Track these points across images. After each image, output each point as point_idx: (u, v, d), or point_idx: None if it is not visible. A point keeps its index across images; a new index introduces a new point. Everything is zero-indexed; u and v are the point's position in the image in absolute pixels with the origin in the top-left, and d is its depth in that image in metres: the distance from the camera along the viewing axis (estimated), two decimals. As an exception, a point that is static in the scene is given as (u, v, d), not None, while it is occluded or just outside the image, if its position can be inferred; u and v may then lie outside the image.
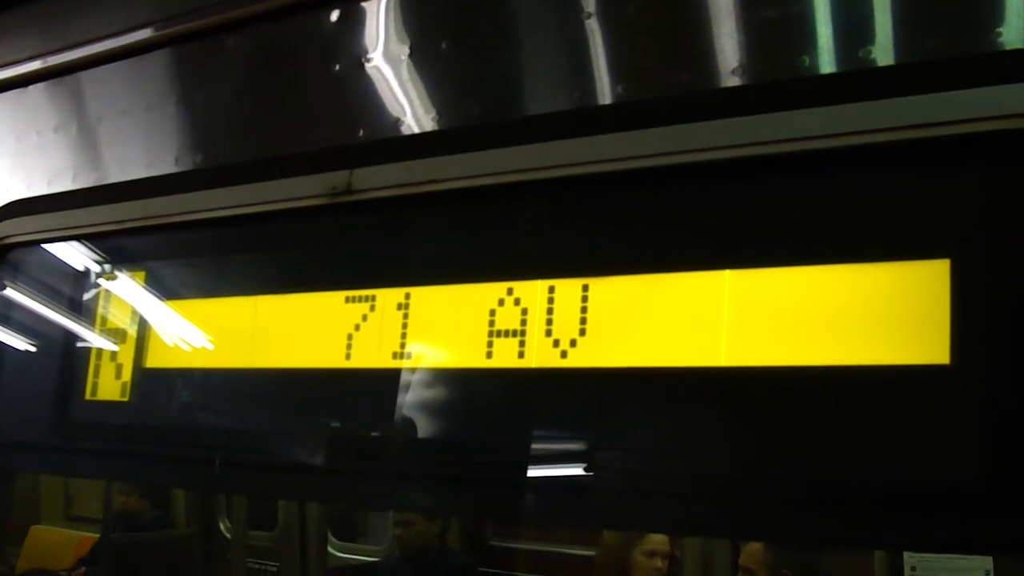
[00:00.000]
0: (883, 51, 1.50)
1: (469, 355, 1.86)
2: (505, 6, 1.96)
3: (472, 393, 1.90)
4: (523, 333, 1.79)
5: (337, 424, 2.14)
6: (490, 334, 1.82)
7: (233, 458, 2.25)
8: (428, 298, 1.94)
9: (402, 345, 1.95)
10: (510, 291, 1.82)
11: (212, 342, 2.31)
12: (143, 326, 2.45)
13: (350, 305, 2.03)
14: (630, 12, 1.75)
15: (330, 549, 7.28)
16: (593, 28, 1.79)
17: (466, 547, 7.13)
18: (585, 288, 1.74)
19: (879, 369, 1.44)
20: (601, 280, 1.73)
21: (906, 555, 3.78)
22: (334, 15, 2.12)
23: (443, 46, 1.97)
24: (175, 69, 2.44)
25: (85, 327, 2.57)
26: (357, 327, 2.01)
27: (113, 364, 2.47)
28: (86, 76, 2.59)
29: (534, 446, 1.83)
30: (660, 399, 1.68)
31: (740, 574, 4.54)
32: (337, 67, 2.10)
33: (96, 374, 2.50)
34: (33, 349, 2.71)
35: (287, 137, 2.20)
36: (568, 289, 1.76)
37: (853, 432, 1.47)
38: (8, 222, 2.65)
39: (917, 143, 1.44)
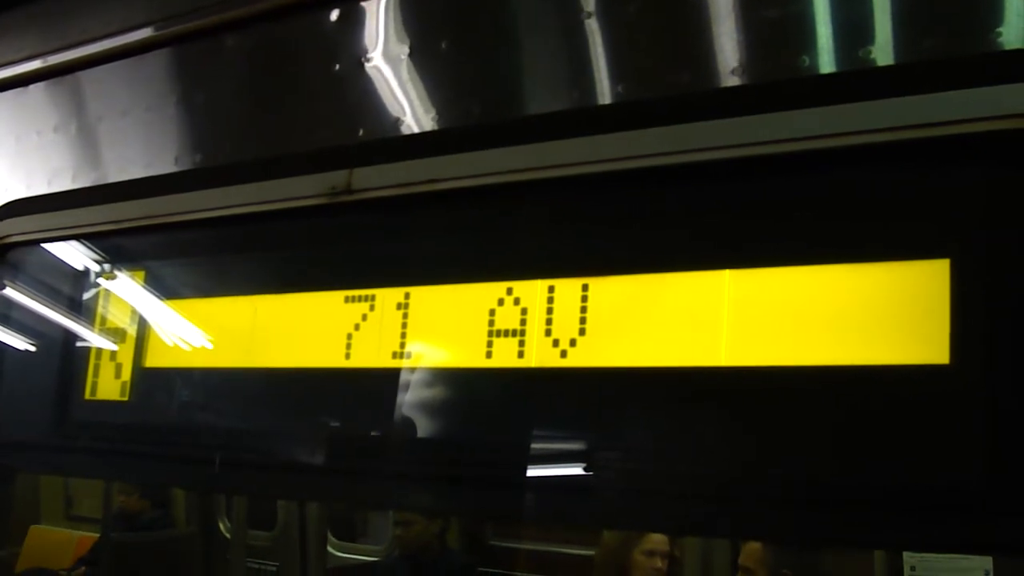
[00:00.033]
0: (883, 51, 1.50)
1: (469, 355, 1.86)
2: (505, 6, 1.96)
3: (472, 393, 1.89)
4: (523, 333, 1.79)
5: (337, 424, 2.14)
6: (490, 334, 1.82)
7: (233, 458, 2.25)
8: (428, 298, 1.94)
9: (402, 345, 1.95)
10: (510, 291, 1.82)
11: (212, 342, 2.31)
12: (143, 326, 2.45)
13: (350, 305, 2.03)
14: (630, 12, 1.75)
15: (330, 549, 7.29)
16: (593, 28, 1.79)
17: (466, 547, 7.14)
18: (585, 288, 1.74)
19: (879, 369, 1.44)
20: (601, 280, 1.73)
21: (906, 555, 3.79)
22: (334, 15, 2.12)
23: (443, 46, 1.97)
24: (175, 69, 2.44)
25: (85, 327, 2.57)
26: (357, 327, 2.01)
27: (113, 364, 2.47)
28: (86, 76, 2.59)
29: (534, 446, 1.83)
30: (660, 399, 1.68)
31: (740, 574, 4.55)
32: (337, 67, 2.10)
33: (96, 374, 2.50)
34: (33, 349, 2.71)
35: (287, 137, 2.20)
36: (568, 289, 1.76)
37: (853, 432, 1.47)
38: (8, 221, 2.65)
39: (917, 143, 1.44)
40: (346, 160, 2.03)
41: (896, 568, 4.00)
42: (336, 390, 2.07)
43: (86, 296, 2.58)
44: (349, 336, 2.02)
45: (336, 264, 2.15)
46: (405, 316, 1.95)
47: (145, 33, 2.43)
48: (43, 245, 2.63)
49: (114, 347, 2.47)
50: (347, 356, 2.02)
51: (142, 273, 2.47)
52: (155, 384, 2.39)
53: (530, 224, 1.90)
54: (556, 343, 1.75)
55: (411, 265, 2.00)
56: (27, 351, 2.72)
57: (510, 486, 1.86)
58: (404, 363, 1.94)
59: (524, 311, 1.79)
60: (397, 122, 1.99)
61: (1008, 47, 1.39)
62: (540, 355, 1.76)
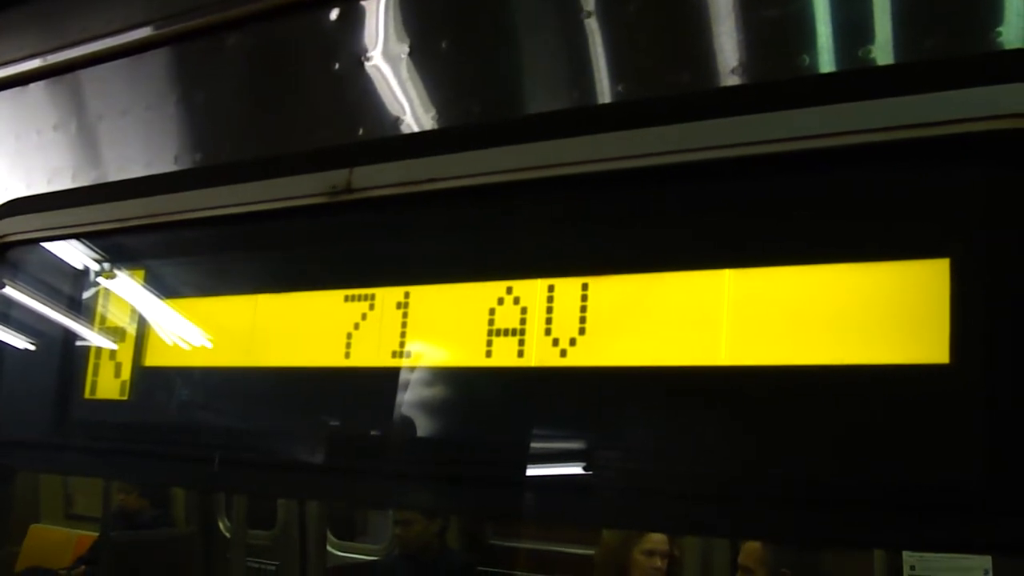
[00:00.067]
0: (883, 50, 1.50)
1: (469, 354, 1.86)
2: (505, 5, 1.96)
3: (472, 392, 1.89)
4: (523, 332, 1.79)
5: (336, 423, 2.14)
6: (489, 333, 1.82)
7: (232, 457, 2.25)
8: (428, 297, 1.94)
9: (401, 344, 1.95)
10: (509, 290, 1.82)
11: (211, 341, 2.31)
12: (142, 325, 2.45)
13: (349, 304, 2.03)
14: (630, 11, 1.75)
15: (329, 548, 7.29)
16: (593, 27, 1.79)
17: (466, 546, 7.13)
18: (585, 287, 1.74)
19: (879, 368, 1.44)
20: (601, 279, 1.73)
21: (905, 554, 3.79)
22: (334, 14, 2.12)
23: (443, 45, 1.97)
24: (175, 68, 2.44)
25: (84, 326, 2.57)
26: (356, 326, 2.01)
27: (112, 363, 2.47)
28: (86, 75, 2.59)
29: (534, 445, 1.83)
30: (660, 398, 1.68)
31: (739, 573, 4.55)
32: (337, 66, 2.10)
33: (95, 373, 2.50)
34: (32, 348, 2.71)
35: (287, 136, 2.20)
36: (568, 288, 1.76)
37: (853, 431, 1.47)
38: (8, 220, 2.65)
39: (917, 142, 1.44)
40: (346, 159, 2.03)
41: (896, 567, 4.00)
42: (336, 389, 2.07)
43: (86, 295, 2.58)
44: (349, 335, 2.02)
45: (336, 263, 2.15)
46: (405, 315, 1.95)
47: (145, 32, 2.43)
48: (43, 244, 2.63)
49: (114, 346, 2.47)
50: (347, 355, 2.02)
51: (142, 272, 2.47)
52: (155, 383, 2.39)
53: (530, 223, 1.90)
54: (556, 342, 1.75)
55: (411, 264, 2.00)
56: (27, 350, 2.72)
57: (510, 485, 1.86)
58: (404, 362, 1.94)
59: (524, 310, 1.79)
60: (397, 121, 1.99)
61: (1008, 47, 1.39)
62: (540, 354, 1.76)
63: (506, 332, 1.80)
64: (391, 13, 2.05)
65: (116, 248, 2.54)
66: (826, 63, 1.55)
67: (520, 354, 1.78)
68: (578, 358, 1.72)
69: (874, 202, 1.51)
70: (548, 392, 1.77)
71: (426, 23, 2.01)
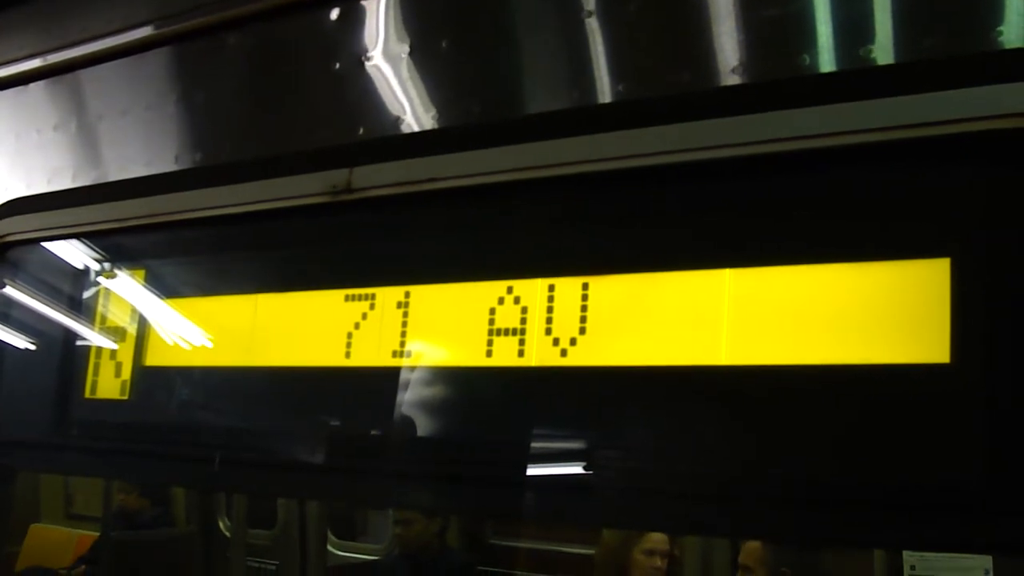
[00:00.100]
0: (883, 50, 1.50)
1: (469, 354, 1.86)
2: (505, 5, 1.96)
3: (472, 392, 1.89)
4: (523, 332, 1.79)
5: (337, 423, 2.14)
6: (490, 333, 1.82)
7: (233, 456, 2.25)
8: (428, 297, 1.94)
9: (402, 344, 1.95)
10: (510, 290, 1.82)
11: (212, 340, 2.31)
12: (143, 324, 2.45)
13: (350, 303, 2.03)
14: (630, 11, 1.75)
15: (330, 548, 7.29)
16: (593, 27, 1.79)
17: (466, 546, 7.13)
18: (585, 287, 1.74)
19: (879, 368, 1.44)
20: (601, 279, 1.73)
21: (905, 554, 3.79)
22: (334, 14, 2.12)
23: (443, 45, 1.97)
24: (175, 68, 2.44)
25: (85, 325, 2.57)
26: (357, 325, 2.01)
27: (113, 362, 2.47)
28: (86, 74, 2.59)
29: (534, 445, 1.83)
30: (660, 398, 1.68)
31: (739, 572, 4.55)
32: (337, 66, 2.10)
33: (96, 372, 2.50)
34: (33, 347, 2.71)
35: (287, 135, 2.20)
36: (568, 288, 1.76)
37: (853, 431, 1.47)
38: (8, 220, 2.65)
39: (917, 142, 1.44)
40: (346, 159, 2.03)
41: (896, 567, 4.00)
42: (336, 389, 2.07)
43: (86, 295, 2.58)
44: (349, 335, 2.02)
45: (336, 263, 2.15)
46: (405, 315, 1.95)
47: (145, 32, 2.43)
48: (43, 244, 2.63)
49: (114, 346, 2.47)
50: (347, 355, 2.02)
51: (142, 272, 2.47)
52: (155, 383, 2.39)
53: (530, 223, 1.90)
54: (556, 342, 1.75)
55: (411, 264, 2.00)
56: (27, 350, 2.72)
57: (510, 485, 1.86)
58: (404, 362, 1.94)
59: (524, 310, 1.79)
60: (397, 121, 1.99)
61: (1008, 46, 1.39)
62: (540, 354, 1.76)
63: (506, 332, 1.80)
64: (391, 13, 2.05)
65: (116, 248, 2.54)
66: (826, 63, 1.55)
67: (520, 354, 1.78)
68: (578, 358, 1.72)
69: (874, 202, 1.51)
70: (548, 392, 1.77)
71: (426, 23, 2.01)
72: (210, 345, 2.31)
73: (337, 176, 2.03)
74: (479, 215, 1.95)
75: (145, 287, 2.46)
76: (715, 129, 1.60)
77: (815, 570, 4.44)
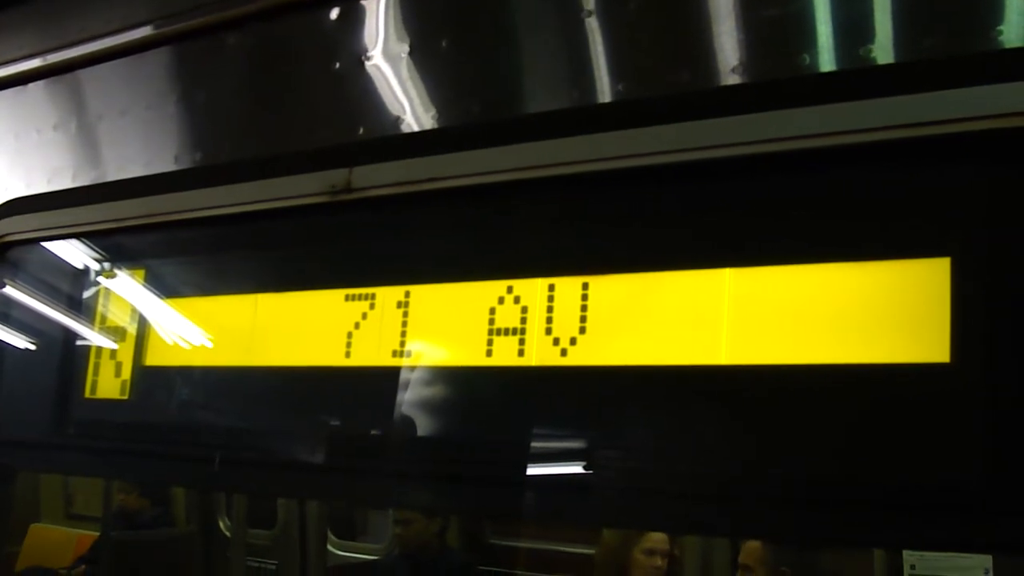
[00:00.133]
0: (883, 50, 1.50)
1: (469, 353, 1.86)
2: (505, 4, 1.96)
3: (472, 391, 1.89)
4: (523, 331, 1.79)
5: (337, 422, 2.14)
6: (490, 332, 1.82)
7: (233, 456, 2.25)
8: (428, 296, 1.94)
9: (402, 343, 1.95)
10: (510, 289, 1.82)
11: (212, 340, 2.31)
12: (143, 324, 2.45)
13: (350, 303, 2.03)
14: (630, 10, 1.75)
15: (330, 547, 7.29)
16: (593, 27, 1.79)
17: (466, 545, 7.13)
18: (585, 286, 1.74)
19: (879, 368, 1.44)
20: (601, 278, 1.73)
21: (905, 553, 3.79)
22: (334, 13, 2.12)
23: (443, 44, 1.97)
24: (175, 67, 2.44)
25: (85, 325, 2.57)
26: (357, 325, 2.01)
27: (113, 362, 2.47)
28: (85, 74, 2.59)
29: (534, 444, 1.83)
30: (660, 398, 1.68)
31: (739, 572, 4.55)
32: (337, 65, 2.10)
33: (96, 372, 2.50)
34: (33, 347, 2.71)
35: (287, 135, 2.20)
36: (568, 287, 1.76)
37: (853, 431, 1.47)
38: (7, 220, 2.65)
39: (917, 141, 1.44)
40: (346, 159, 2.03)
41: (896, 566, 4.00)
42: (336, 389, 2.07)
43: (86, 295, 2.58)
44: (349, 335, 2.02)
45: (336, 262, 2.15)
46: (405, 315, 1.95)
47: (145, 31, 2.43)
48: (43, 244, 2.63)
49: (114, 346, 2.47)
50: (347, 355, 2.02)
51: (142, 272, 2.47)
52: (155, 383, 2.39)
53: (530, 223, 1.90)
54: (556, 342, 1.75)
55: (411, 263, 2.00)
56: (27, 350, 2.72)
57: (510, 485, 1.86)
58: (404, 362, 1.94)
59: (524, 310, 1.79)
60: (397, 121, 1.99)
61: (1008, 46, 1.39)
62: (540, 354, 1.76)
63: (507, 331, 1.80)
64: (391, 12, 2.05)
65: (116, 248, 2.54)
66: (826, 62, 1.55)
67: (520, 353, 1.78)
68: (578, 357, 1.72)
69: (874, 201, 1.51)
70: (548, 391, 1.77)
71: (426, 22, 2.00)
72: (210, 345, 2.31)
73: (337, 176, 2.02)
74: (479, 215, 1.95)
75: (145, 287, 2.46)
76: (715, 129, 1.60)
77: (815, 570, 4.44)
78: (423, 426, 1.94)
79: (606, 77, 1.78)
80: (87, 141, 2.56)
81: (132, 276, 2.49)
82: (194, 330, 2.33)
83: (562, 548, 6.45)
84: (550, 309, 1.76)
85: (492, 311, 1.83)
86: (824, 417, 1.50)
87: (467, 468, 1.91)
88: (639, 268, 1.70)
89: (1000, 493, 1.34)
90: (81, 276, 2.59)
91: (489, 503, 2.14)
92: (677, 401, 1.67)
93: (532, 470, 1.82)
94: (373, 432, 2.09)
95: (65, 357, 2.59)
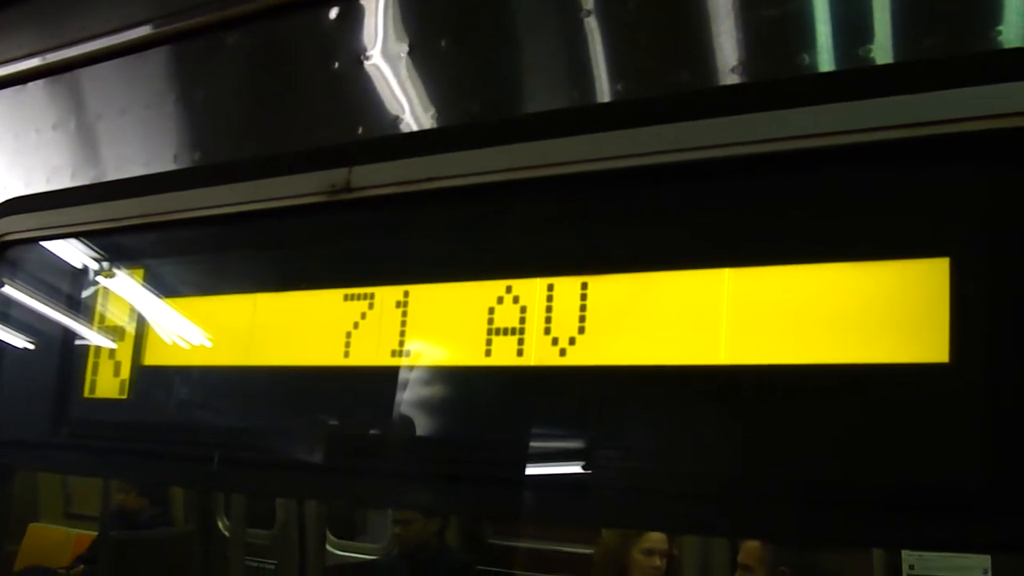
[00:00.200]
0: (882, 49, 1.50)
1: (468, 353, 1.86)
2: (504, 4, 1.96)
3: (471, 391, 1.89)
4: (522, 331, 1.79)
5: (336, 422, 2.14)
6: (489, 332, 1.82)
7: (232, 456, 2.25)
8: (427, 296, 1.94)
9: (401, 343, 1.95)
10: (509, 289, 1.82)
11: (211, 340, 2.30)
12: (142, 324, 2.45)
13: (349, 303, 2.03)
14: (629, 10, 1.74)
15: (328, 547, 7.28)
16: (592, 26, 1.79)
17: (465, 545, 7.13)
18: (584, 286, 1.74)
19: (878, 368, 1.44)
20: (600, 278, 1.73)
21: (904, 553, 3.79)
22: (333, 13, 2.12)
23: (442, 44, 1.97)
24: (174, 67, 2.43)
25: (84, 325, 2.56)
26: (356, 325, 2.01)
27: (112, 362, 2.47)
28: (85, 73, 2.59)
29: (533, 444, 1.83)
30: (659, 397, 1.68)
31: (739, 571, 4.55)
32: (336, 65, 2.10)
33: (95, 372, 2.49)
34: (32, 347, 2.71)
35: (286, 135, 2.20)
36: (567, 287, 1.76)
37: (852, 431, 1.47)
38: (7, 219, 2.65)
39: (916, 141, 1.44)
40: (345, 158, 2.03)
41: (894, 566, 4.00)
42: (335, 388, 2.06)
43: (85, 294, 2.57)
44: (348, 334, 2.02)
45: (335, 262, 2.15)
46: (404, 314, 1.95)
47: (144, 31, 2.43)
48: (42, 243, 2.63)
49: (113, 345, 2.47)
50: (346, 354, 2.01)
51: (141, 271, 2.47)
52: (154, 382, 2.39)
53: (529, 222, 1.90)
54: (555, 341, 1.75)
55: (410, 263, 2.00)
56: (26, 349, 2.72)
57: (509, 484, 1.86)
58: (403, 361, 1.94)
59: (523, 309, 1.79)
60: (396, 120, 1.99)
61: (1008, 46, 1.39)
62: (539, 353, 1.76)
63: (505, 331, 1.80)
64: (390, 12, 2.05)
65: (115, 247, 2.54)
66: (826, 62, 1.55)
67: (520, 353, 1.78)
68: (577, 357, 1.72)
69: (874, 201, 1.51)
70: (547, 391, 1.77)
71: (425, 22, 2.00)
72: (209, 344, 2.30)
73: (336, 175, 2.02)
74: (478, 214, 1.95)
75: (144, 286, 2.45)
76: (715, 129, 1.60)
77: (814, 569, 4.45)
78: (422, 426, 1.94)
79: (605, 77, 1.78)
80: (86, 140, 2.56)
81: (131, 276, 2.48)
82: (193, 330, 2.33)
83: (561, 548, 6.45)
84: (549, 309, 1.76)
85: (491, 311, 1.83)
86: (823, 417, 1.50)
87: (466, 468, 1.91)
88: (638, 268, 1.70)
89: (999, 493, 1.34)
90: (80, 276, 2.59)
91: (488, 503, 2.14)
92: (676, 401, 1.67)
93: (531, 470, 1.82)
94: (372, 432, 2.09)
95: (64, 357, 2.59)
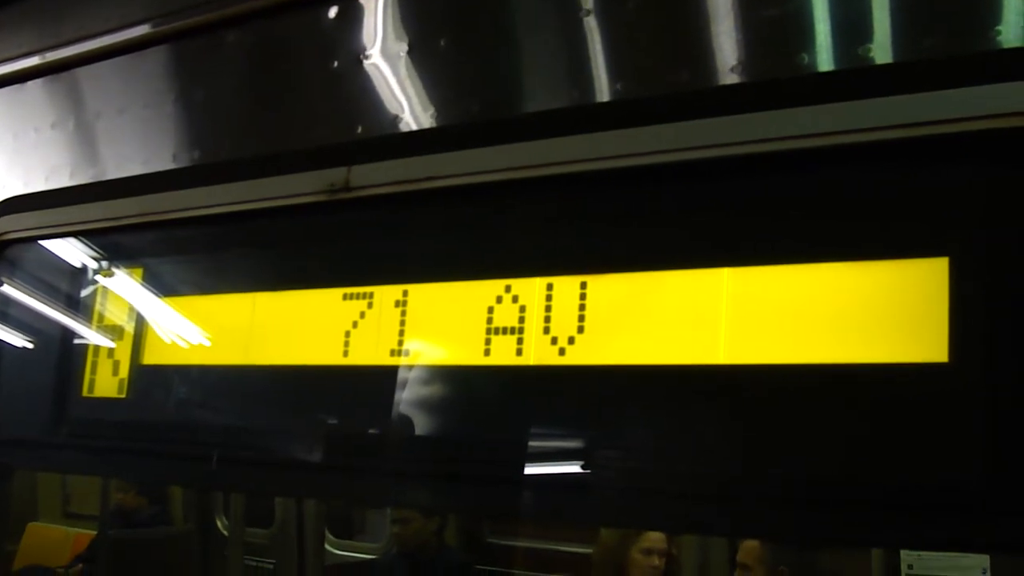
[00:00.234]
0: (882, 49, 1.50)
1: (467, 352, 1.86)
2: (504, 3, 1.96)
3: (470, 391, 1.89)
4: (521, 331, 1.78)
5: (335, 421, 2.14)
6: (488, 331, 1.82)
7: (230, 455, 2.25)
8: (426, 295, 1.94)
9: (400, 342, 1.94)
10: (508, 288, 1.82)
11: (210, 339, 2.30)
12: (140, 323, 2.45)
13: (348, 302, 2.03)
14: (629, 10, 1.74)
15: (327, 546, 7.28)
16: (592, 26, 1.79)
17: (464, 544, 7.13)
18: (583, 286, 1.74)
19: (878, 367, 1.44)
20: (599, 277, 1.73)
21: (903, 553, 3.79)
22: (332, 11, 2.12)
23: (442, 43, 1.97)
24: (173, 66, 2.43)
25: (82, 324, 2.56)
26: (355, 324, 2.01)
27: (110, 361, 2.47)
28: (83, 72, 2.58)
29: (532, 444, 1.83)
30: (658, 397, 1.68)
31: (738, 570, 4.56)
32: (335, 64, 2.10)
33: (93, 371, 2.49)
34: (30, 346, 2.71)
35: (285, 134, 2.20)
36: (566, 286, 1.76)
37: (852, 430, 1.47)
38: (6, 218, 2.65)
39: (916, 141, 1.43)
40: (344, 157, 2.02)
41: (893, 565, 4.01)
42: (334, 388, 2.06)
43: (84, 293, 2.57)
44: (347, 334, 2.01)
45: (334, 261, 2.15)
46: (403, 314, 1.95)
47: (143, 29, 2.43)
48: (41, 242, 2.63)
49: (112, 344, 2.47)
50: (345, 354, 2.01)
51: (140, 270, 2.47)
52: (153, 381, 2.39)
53: (528, 222, 1.90)
54: (555, 341, 1.75)
55: (409, 262, 2.00)
56: (25, 348, 2.71)
57: (508, 484, 1.86)
58: (402, 361, 1.94)
59: (522, 309, 1.79)
60: (396, 119, 1.99)
61: (1007, 45, 1.39)
62: (539, 353, 1.76)
63: (505, 331, 1.80)
64: (390, 11, 2.05)
65: (114, 246, 2.54)
66: (825, 62, 1.55)
67: (519, 353, 1.78)
68: (577, 357, 1.72)
69: (873, 201, 1.51)
70: (547, 391, 1.77)
71: (425, 21, 2.00)
72: (208, 344, 2.30)
73: (335, 175, 2.02)
74: (477, 214, 1.95)
75: (143, 286, 2.45)
76: (714, 128, 1.60)
77: (813, 569, 4.45)
78: (421, 425, 1.94)
79: (605, 76, 1.78)
80: (85, 139, 2.56)
81: (130, 275, 2.48)
82: (192, 329, 2.33)
83: (560, 547, 6.45)
84: (548, 308, 1.76)
85: (490, 310, 1.83)
86: (822, 417, 1.50)
87: (465, 467, 1.91)
88: (637, 267, 1.70)
89: (998, 493, 1.34)
90: (79, 275, 2.59)
91: (487, 502, 2.14)
92: (675, 401, 1.67)
93: (530, 469, 1.82)
94: (371, 431, 2.09)
95: (63, 356, 2.59)
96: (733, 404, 1.59)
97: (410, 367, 1.93)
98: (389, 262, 2.03)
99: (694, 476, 1.64)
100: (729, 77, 1.62)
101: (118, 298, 2.51)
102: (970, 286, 1.39)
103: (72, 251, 2.60)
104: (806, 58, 1.55)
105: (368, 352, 1.99)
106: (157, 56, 2.43)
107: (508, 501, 1.99)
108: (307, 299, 2.12)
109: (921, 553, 3.76)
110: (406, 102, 1.99)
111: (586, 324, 1.72)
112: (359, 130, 2.05)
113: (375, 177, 1.98)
